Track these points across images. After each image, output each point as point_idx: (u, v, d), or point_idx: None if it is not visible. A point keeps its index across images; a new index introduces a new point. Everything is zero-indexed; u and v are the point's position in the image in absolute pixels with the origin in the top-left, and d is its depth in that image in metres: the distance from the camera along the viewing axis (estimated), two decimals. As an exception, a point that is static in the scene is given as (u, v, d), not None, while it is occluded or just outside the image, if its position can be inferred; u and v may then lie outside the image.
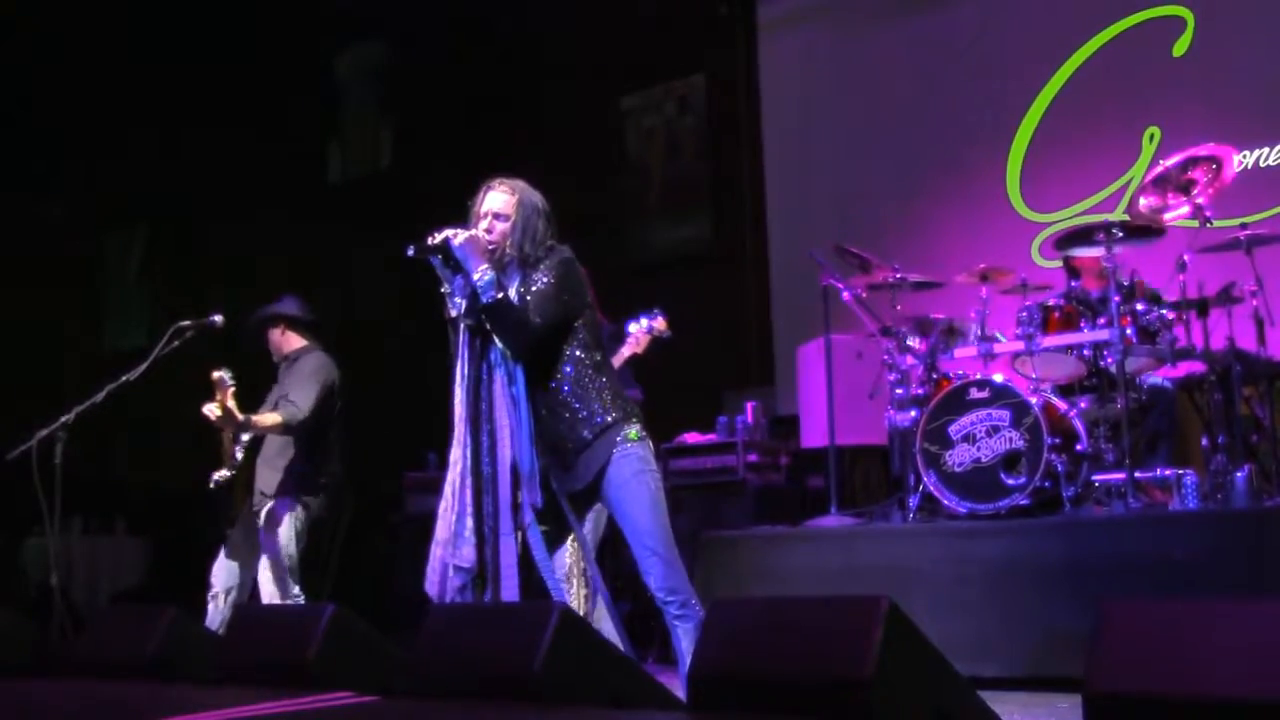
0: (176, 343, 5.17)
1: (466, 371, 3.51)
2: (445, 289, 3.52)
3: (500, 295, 3.44)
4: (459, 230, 3.50)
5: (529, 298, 3.51)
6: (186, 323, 5.20)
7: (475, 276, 3.44)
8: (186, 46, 10.40)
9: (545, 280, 3.54)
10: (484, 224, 3.56)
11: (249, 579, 5.07)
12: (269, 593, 4.99)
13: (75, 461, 5.21)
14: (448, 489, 3.54)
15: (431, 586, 3.51)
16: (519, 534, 3.50)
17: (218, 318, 5.23)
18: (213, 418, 4.73)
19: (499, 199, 3.59)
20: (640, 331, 5.01)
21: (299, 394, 5.05)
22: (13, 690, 3.11)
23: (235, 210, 10.16)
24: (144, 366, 5.13)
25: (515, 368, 3.56)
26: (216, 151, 10.24)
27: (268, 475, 5.06)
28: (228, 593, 5.04)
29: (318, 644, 2.85)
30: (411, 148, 9.86)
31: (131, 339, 10.53)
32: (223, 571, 5.07)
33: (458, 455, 3.53)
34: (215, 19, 10.18)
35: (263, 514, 5.03)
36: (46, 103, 10.79)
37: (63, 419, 5.15)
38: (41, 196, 10.91)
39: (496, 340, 3.56)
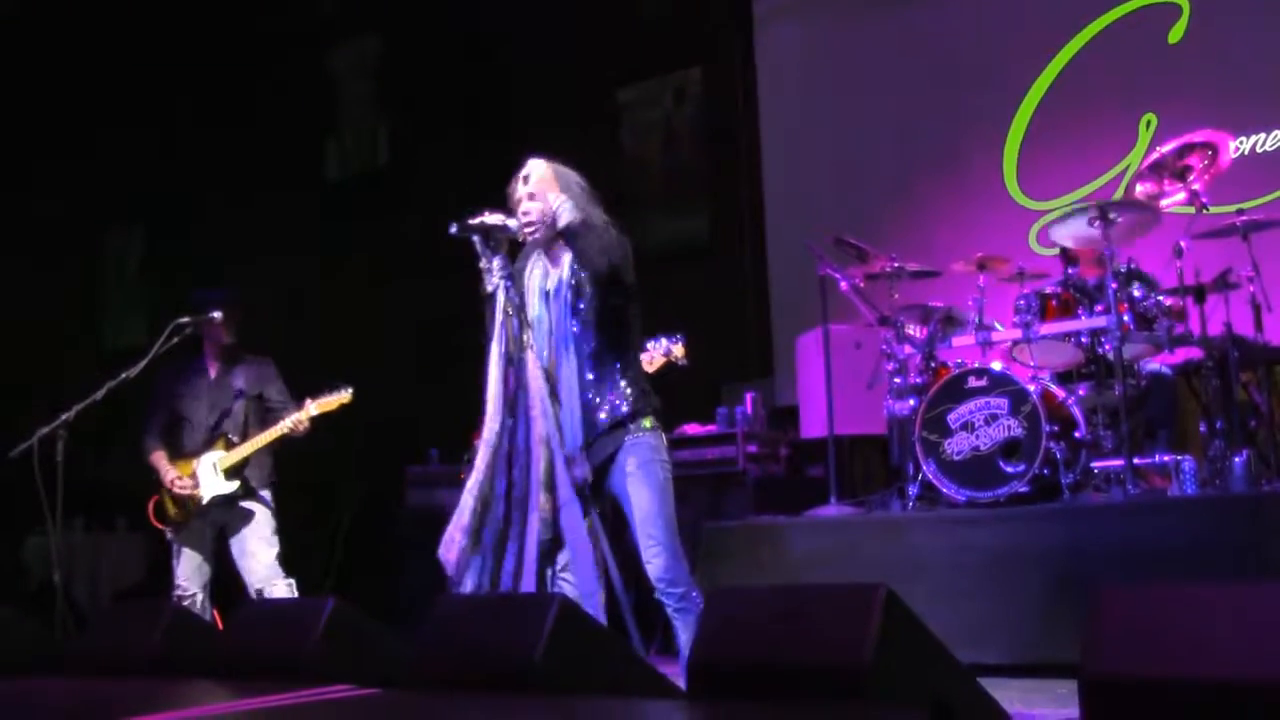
0: (175, 340, 5.20)
1: (502, 350, 3.52)
2: (483, 265, 3.54)
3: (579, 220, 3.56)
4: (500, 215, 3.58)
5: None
6: (185, 319, 5.23)
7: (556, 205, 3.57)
8: (184, 45, 10.39)
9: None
10: (523, 205, 3.65)
11: (214, 573, 5.27)
12: (264, 578, 5.15)
13: (76, 459, 5.23)
14: (479, 462, 3.52)
15: (445, 553, 3.50)
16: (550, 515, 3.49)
17: (216, 314, 5.26)
18: (300, 430, 5.14)
19: (536, 175, 3.69)
20: (657, 350, 5.00)
21: (288, 395, 5.39)
22: (15, 688, 3.12)
23: (233, 208, 10.15)
24: (143, 364, 5.16)
25: (554, 345, 3.58)
26: (214, 149, 10.23)
27: (252, 472, 5.26)
28: (205, 590, 5.20)
29: (318, 637, 2.86)
30: (408, 143, 9.85)
31: (131, 336, 10.53)
32: (199, 572, 5.22)
33: (488, 433, 3.52)
34: (212, 17, 10.17)
35: (254, 506, 5.24)
36: (44, 101, 10.78)
37: (63, 417, 5.17)
38: (40, 195, 10.91)
39: (531, 319, 3.58)
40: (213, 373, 5.38)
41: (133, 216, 11.29)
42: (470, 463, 3.64)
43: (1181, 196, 5.41)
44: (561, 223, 3.55)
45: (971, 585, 4.76)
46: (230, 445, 5.23)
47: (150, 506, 5.30)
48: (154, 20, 10.36)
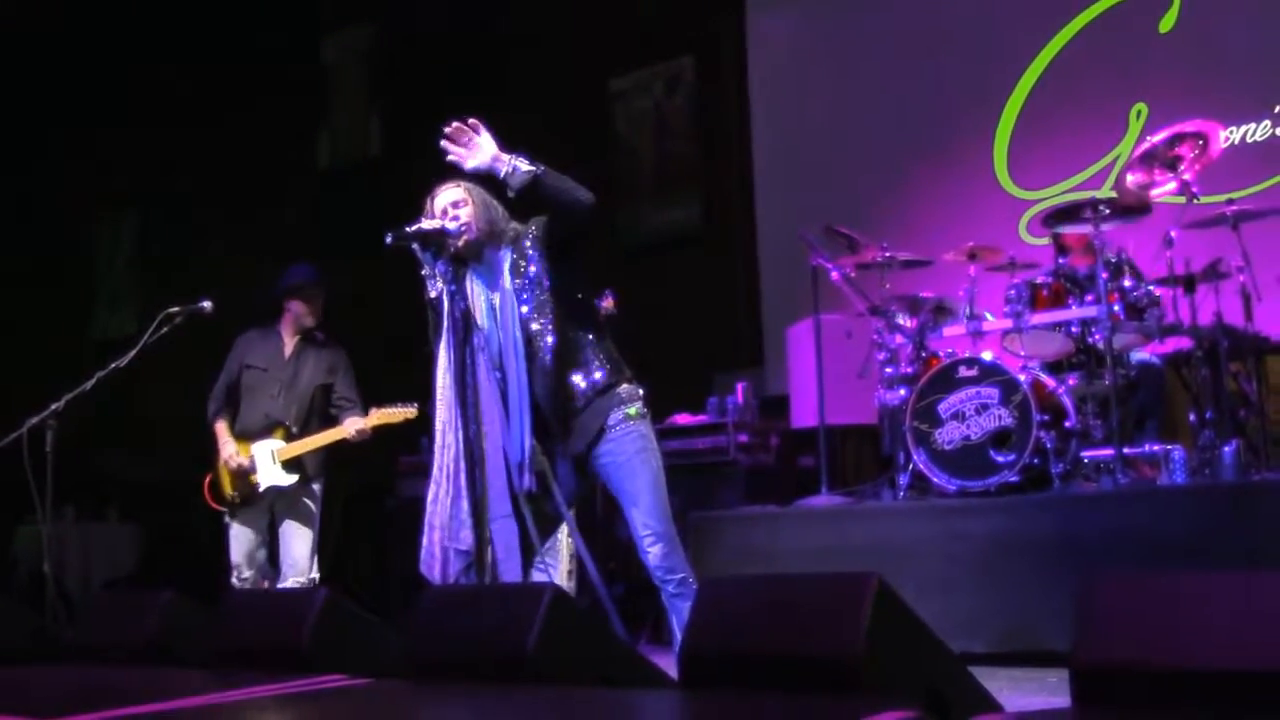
0: (165, 329, 5.20)
1: (453, 355, 3.52)
2: (425, 271, 3.55)
3: (542, 167, 3.47)
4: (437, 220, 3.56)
5: (530, 251, 3.59)
6: (175, 309, 5.22)
7: (504, 169, 3.45)
8: (175, 33, 10.34)
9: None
10: (450, 215, 3.60)
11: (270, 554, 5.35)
12: (302, 568, 5.21)
13: (66, 448, 5.22)
14: (439, 473, 3.57)
15: (431, 572, 3.55)
16: (518, 518, 3.53)
17: (206, 304, 5.27)
18: (361, 438, 5.19)
19: (450, 194, 3.65)
20: None
21: (356, 390, 5.41)
22: (7, 677, 3.12)
23: (225, 197, 10.13)
24: (133, 353, 5.14)
25: (502, 354, 3.58)
26: (206, 138, 10.20)
27: (309, 460, 5.29)
28: (259, 572, 5.28)
29: (311, 627, 2.86)
30: (401, 132, 9.83)
31: (121, 325, 10.50)
32: (254, 554, 5.27)
33: (450, 440, 3.55)
34: (205, 6, 10.13)
35: (305, 497, 5.28)
36: (36, 91, 10.73)
37: (53, 407, 5.16)
38: (31, 184, 10.87)
39: (481, 328, 3.57)
40: (288, 352, 5.38)
41: (124, 206, 11.25)
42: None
43: (1172, 186, 5.42)
44: (525, 167, 3.46)
45: (962, 574, 4.78)
46: (290, 436, 5.23)
47: (205, 486, 5.31)
48: (146, 9, 10.32)
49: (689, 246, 8.31)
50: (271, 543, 5.34)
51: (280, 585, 5.20)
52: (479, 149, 3.51)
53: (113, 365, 5.17)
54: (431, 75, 9.50)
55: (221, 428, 5.32)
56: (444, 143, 3.54)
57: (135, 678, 2.93)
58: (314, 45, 10.40)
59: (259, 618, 3.10)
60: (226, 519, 5.29)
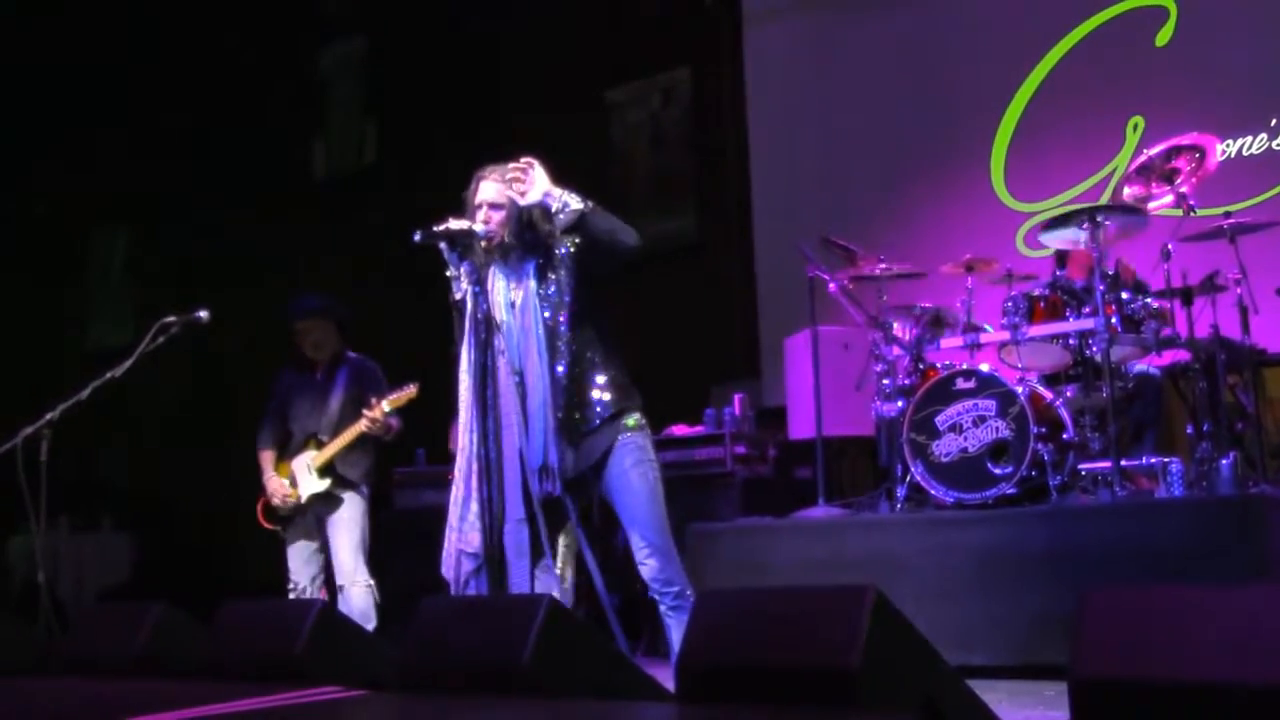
0: (161, 339, 5.19)
1: (473, 357, 3.52)
2: (450, 273, 3.54)
3: (591, 204, 3.49)
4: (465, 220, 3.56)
5: (560, 266, 3.58)
6: (171, 318, 5.22)
7: (555, 205, 3.48)
8: (170, 45, 10.36)
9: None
10: (481, 214, 3.59)
11: (326, 563, 5.42)
12: (346, 575, 5.29)
13: (61, 459, 5.21)
14: (458, 475, 3.58)
15: (447, 571, 3.57)
16: (530, 521, 3.52)
17: (203, 313, 5.26)
18: (377, 429, 5.23)
19: (492, 188, 3.61)
20: None
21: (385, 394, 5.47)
22: (1, 689, 3.10)
23: (219, 207, 10.12)
24: (129, 363, 5.13)
25: (521, 356, 3.57)
26: (200, 149, 10.20)
27: (348, 469, 5.38)
28: (314, 581, 5.39)
29: (306, 639, 2.85)
30: (396, 143, 9.83)
31: (117, 335, 10.49)
32: (308, 565, 5.40)
33: (465, 441, 3.55)
34: (200, 16, 10.14)
35: (348, 503, 5.36)
36: (29, 101, 10.74)
37: (47, 417, 5.15)
38: (25, 195, 10.86)
39: (500, 325, 3.57)
40: (319, 376, 5.55)
41: (118, 216, 11.25)
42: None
43: (1169, 199, 5.42)
44: (575, 205, 3.49)
45: (959, 587, 4.77)
46: (320, 445, 5.37)
47: (259, 508, 5.47)
48: (141, 21, 10.33)
49: (686, 258, 8.31)
50: (326, 554, 5.44)
51: (340, 593, 5.30)
52: (534, 185, 3.50)
53: (108, 375, 5.16)
54: (426, 85, 9.51)
55: (265, 458, 5.51)
56: (505, 177, 3.54)
57: (127, 690, 2.92)
58: (309, 55, 10.41)
59: (254, 629, 3.09)
60: (281, 536, 5.46)
